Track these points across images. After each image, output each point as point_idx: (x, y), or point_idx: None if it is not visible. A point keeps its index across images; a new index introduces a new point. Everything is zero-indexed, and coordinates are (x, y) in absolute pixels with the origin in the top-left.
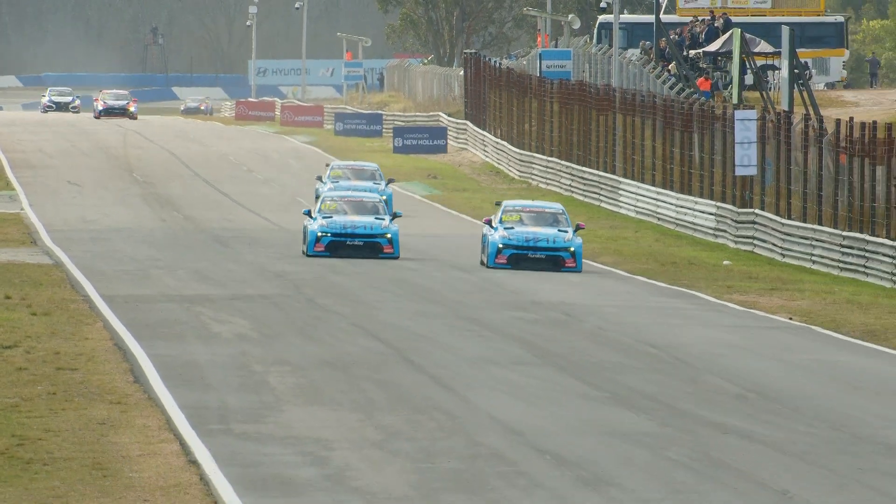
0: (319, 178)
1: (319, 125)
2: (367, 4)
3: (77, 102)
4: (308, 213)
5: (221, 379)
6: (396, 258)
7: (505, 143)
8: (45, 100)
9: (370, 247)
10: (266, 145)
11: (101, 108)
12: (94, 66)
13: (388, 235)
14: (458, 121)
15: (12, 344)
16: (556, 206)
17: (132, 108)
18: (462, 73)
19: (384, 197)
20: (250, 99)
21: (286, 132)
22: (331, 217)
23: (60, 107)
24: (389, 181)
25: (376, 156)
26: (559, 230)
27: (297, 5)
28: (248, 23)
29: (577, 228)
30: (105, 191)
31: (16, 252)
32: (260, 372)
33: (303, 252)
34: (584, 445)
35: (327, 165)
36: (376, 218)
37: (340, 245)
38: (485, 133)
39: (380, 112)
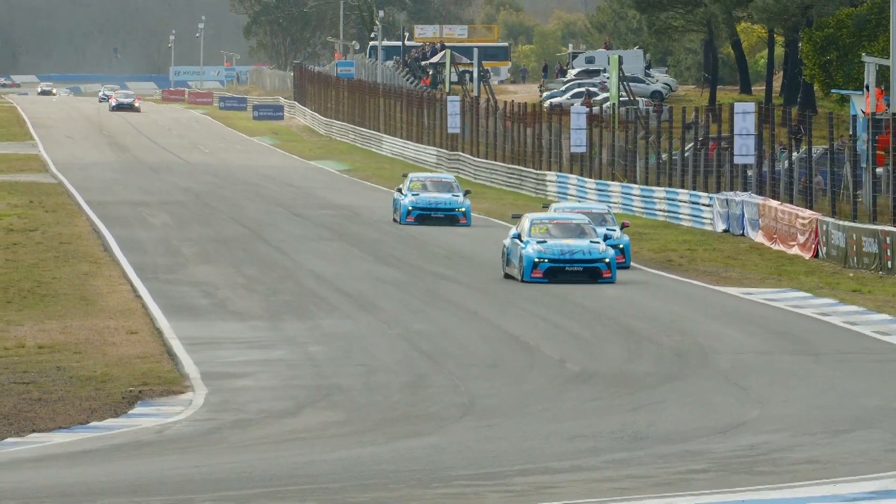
0: (399, 190)
1: (210, 104)
2: (238, 33)
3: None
4: (517, 237)
5: (154, 248)
6: (614, 283)
7: (316, 114)
8: (100, 94)
9: (590, 272)
10: (179, 115)
11: (114, 103)
12: (80, 70)
13: (607, 260)
14: (290, 101)
15: (34, 228)
16: (602, 207)
17: (137, 104)
18: (292, 74)
19: (462, 209)
20: (171, 89)
21: (191, 108)
22: (545, 241)
23: (124, 107)
24: (466, 192)
25: (242, 121)
26: (607, 229)
27: (197, 35)
28: (168, 45)
29: (623, 227)
30: (86, 141)
31: (35, 176)
32: (176, 244)
33: (505, 274)
34: (361, 286)
35: (404, 176)
36: (592, 242)
37: (559, 271)
38: (305, 108)
39: (245, 96)
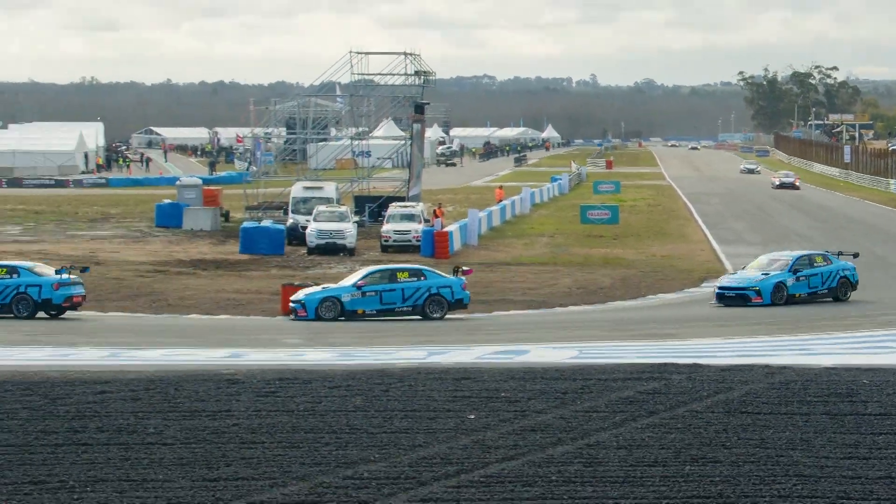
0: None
1: (729, 150)
2: (748, 118)
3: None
4: None
5: (713, 214)
6: None
7: (783, 153)
8: (741, 167)
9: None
10: (724, 155)
11: (777, 182)
12: (681, 135)
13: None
14: (772, 148)
15: (659, 204)
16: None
17: (797, 183)
18: (773, 136)
19: (757, 287)
20: (718, 142)
21: (724, 151)
22: None
23: (751, 171)
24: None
25: (740, 160)
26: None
27: (731, 117)
28: (718, 123)
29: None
30: (681, 166)
31: (660, 182)
32: (723, 213)
33: None
34: (807, 232)
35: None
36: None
37: None
38: (778, 150)
39: (752, 146)
